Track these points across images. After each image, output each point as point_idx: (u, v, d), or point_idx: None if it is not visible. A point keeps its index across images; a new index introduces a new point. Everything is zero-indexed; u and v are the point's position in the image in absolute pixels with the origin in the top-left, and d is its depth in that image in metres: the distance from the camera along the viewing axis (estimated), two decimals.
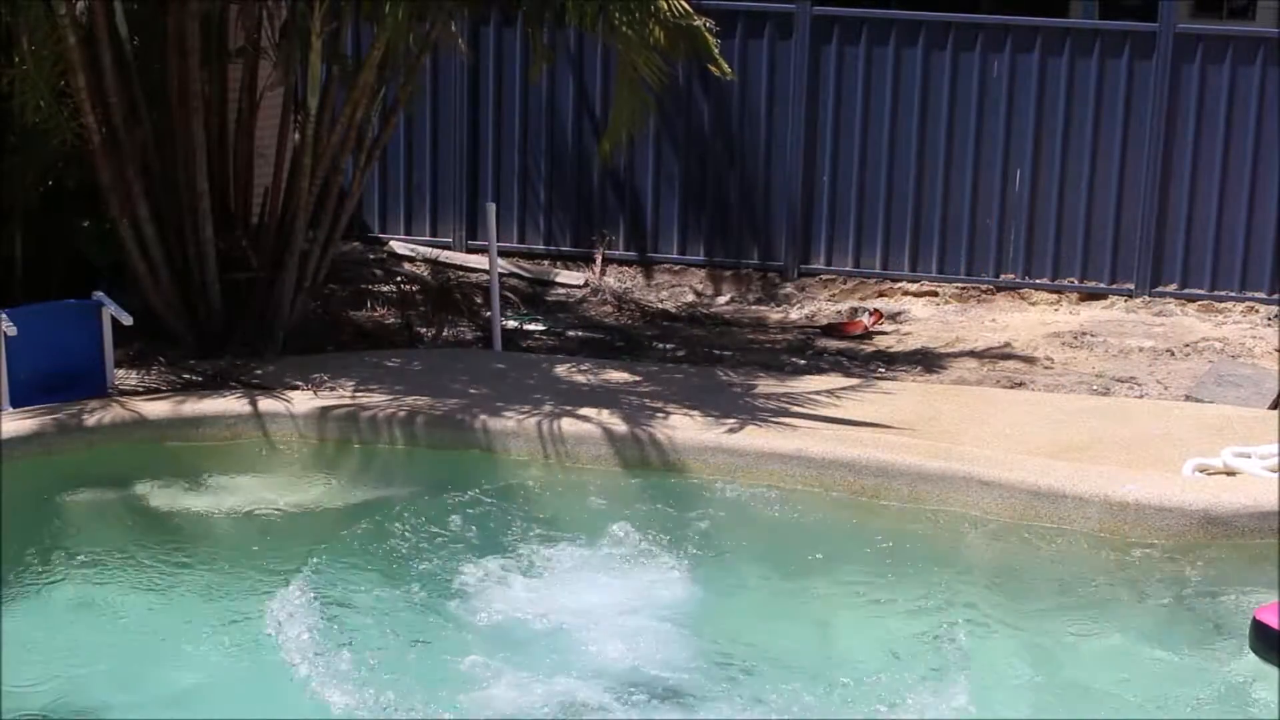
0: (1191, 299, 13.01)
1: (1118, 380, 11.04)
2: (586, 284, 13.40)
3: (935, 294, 13.26)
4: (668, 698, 6.72)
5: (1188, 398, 10.57)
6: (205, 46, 10.50)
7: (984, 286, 13.23)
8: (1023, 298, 13.18)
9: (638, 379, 10.31)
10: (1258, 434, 9.31)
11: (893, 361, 11.49)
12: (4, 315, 9.14)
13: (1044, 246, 13.20)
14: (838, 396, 9.96)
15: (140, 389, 9.77)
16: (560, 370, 10.53)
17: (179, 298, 10.56)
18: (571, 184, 13.75)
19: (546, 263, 13.72)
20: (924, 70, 13.13)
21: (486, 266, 11.61)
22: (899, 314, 12.87)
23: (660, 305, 13.14)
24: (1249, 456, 8.81)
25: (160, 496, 8.66)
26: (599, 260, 13.66)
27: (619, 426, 9.19)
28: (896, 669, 7.01)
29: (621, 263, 13.74)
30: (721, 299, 13.38)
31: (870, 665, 7.04)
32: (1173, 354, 11.79)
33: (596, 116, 13.51)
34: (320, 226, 10.89)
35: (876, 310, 12.76)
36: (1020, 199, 13.19)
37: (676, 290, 13.47)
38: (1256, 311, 12.81)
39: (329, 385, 9.79)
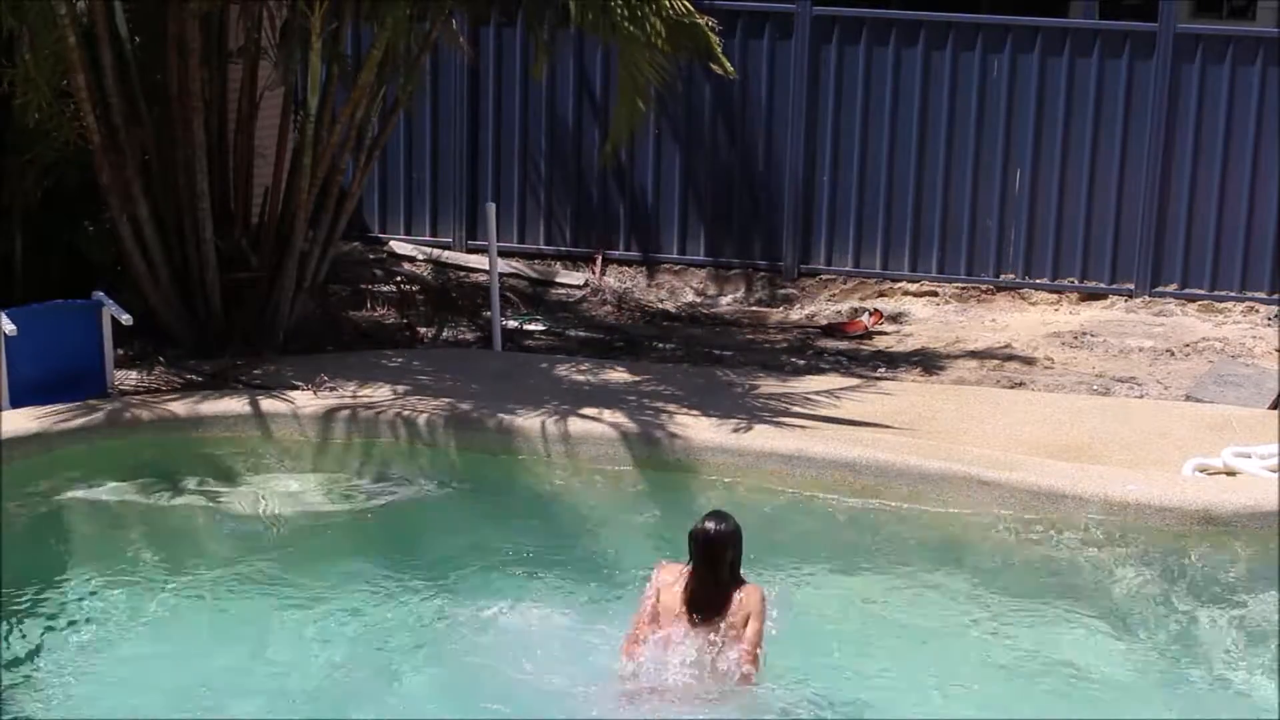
0: (1191, 299, 13.00)
1: (1118, 380, 11.04)
2: (587, 284, 13.39)
3: (935, 294, 13.25)
4: None
5: (1188, 398, 10.57)
6: (205, 46, 10.50)
7: (984, 287, 13.23)
8: (1023, 298, 13.17)
9: (638, 379, 10.32)
10: (1258, 434, 9.32)
11: (893, 362, 11.49)
12: (4, 315, 9.14)
13: (1044, 246, 13.19)
14: (838, 396, 9.97)
15: (140, 389, 9.77)
16: (560, 370, 10.53)
17: (179, 298, 10.57)
18: (572, 184, 13.74)
19: (547, 263, 13.72)
20: (924, 70, 13.13)
21: (486, 266, 11.62)
22: (899, 314, 12.86)
23: (660, 305, 13.13)
24: (1249, 456, 8.82)
25: (160, 496, 8.66)
26: (599, 260, 13.65)
27: (618, 426, 9.20)
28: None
29: (622, 263, 13.73)
30: (722, 299, 13.37)
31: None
32: (1173, 354, 11.79)
33: (597, 116, 13.50)
34: (320, 226, 10.90)
35: (877, 310, 12.75)
36: (1020, 199, 13.18)
37: (677, 290, 13.46)
38: (1256, 311, 12.80)
39: (329, 385, 9.79)
